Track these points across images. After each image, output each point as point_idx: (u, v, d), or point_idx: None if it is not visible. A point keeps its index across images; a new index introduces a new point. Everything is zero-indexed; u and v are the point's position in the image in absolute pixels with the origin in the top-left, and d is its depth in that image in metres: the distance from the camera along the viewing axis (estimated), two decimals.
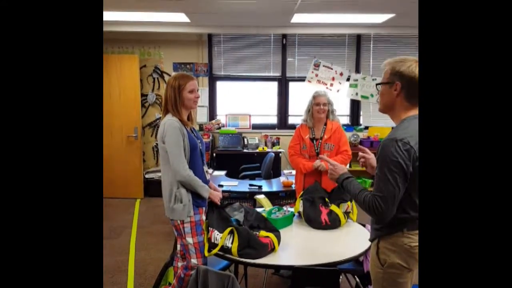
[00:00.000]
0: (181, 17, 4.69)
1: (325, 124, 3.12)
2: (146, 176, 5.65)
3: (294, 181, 3.49)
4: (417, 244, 1.58)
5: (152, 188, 5.54)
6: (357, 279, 2.58)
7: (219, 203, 2.32)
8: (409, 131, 1.51)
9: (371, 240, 1.71)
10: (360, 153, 1.88)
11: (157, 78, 5.74)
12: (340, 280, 2.19)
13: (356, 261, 2.47)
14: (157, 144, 5.71)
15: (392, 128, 1.64)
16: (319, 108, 3.06)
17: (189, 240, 2.27)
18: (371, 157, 1.86)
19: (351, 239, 2.39)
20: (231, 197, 3.84)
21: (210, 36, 5.72)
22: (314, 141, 3.11)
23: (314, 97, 3.12)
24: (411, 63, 1.55)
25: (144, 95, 5.72)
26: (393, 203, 1.51)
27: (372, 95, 5.65)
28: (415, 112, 1.60)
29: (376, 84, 1.67)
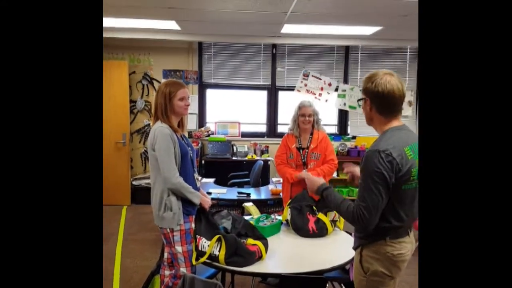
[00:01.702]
0: (172, 25, 4.71)
1: (311, 134, 3.15)
2: (134, 183, 5.60)
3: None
4: (399, 252, 1.62)
5: (139, 195, 5.50)
6: (343, 287, 2.60)
7: (208, 209, 2.32)
8: (391, 142, 1.55)
9: (355, 248, 1.74)
10: (345, 169, 1.97)
11: (147, 85, 5.73)
12: None
13: (343, 269, 2.50)
14: (145, 150, 5.69)
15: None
16: (304, 119, 3.09)
17: (178, 248, 2.25)
18: (356, 168, 1.92)
19: (337, 248, 2.41)
20: (220, 204, 3.84)
21: (200, 44, 5.74)
22: (301, 151, 3.14)
23: (299, 108, 3.13)
24: (376, 78, 1.60)
25: (133, 102, 5.70)
26: (376, 213, 1.54)
27: (359, 105, 5.73)
28: (395, 123, 1.65)
29: (357, 100, 1.74)
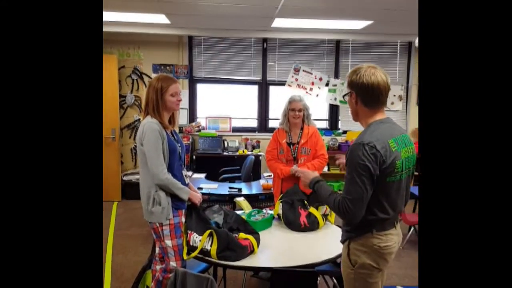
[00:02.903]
0: (161, 18, 4.66)
1: (302, 129, 3.15)
2: (124, 178, 5.56)
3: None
4: (386, 244, 1.64)
5: (130, 191, 5.46)
6: (335, 281, 2.62)
7: (198, 204, 2.31)
8: (375, 135, 1.57)
9: (342, 241, 1.76)
10: (338, 161, 2.02)
11: (136, 79, 5.67)
12: (318, 281, 2.22)
13: (334, 263, 2.51)
14: (135, 146, 5.64)
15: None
16: (294, 114, 3.09)
17: (168, 243, 2.24)
18: None
19: (329, 241, 2.43)
20: (211, 199, 3.83)
21: (190, 38, 5.70)
22: (291, 146, 3.14)
23: (289, 102, 3.13)
24: (360, 71, 1.63)
25: (122, 96, 5.64)
26: (361, 205, 1.56)
27: (345, 101, 5.75)
28: (380, 116, 1.67)
29: (343, 96, 1.76)
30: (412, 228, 4.14)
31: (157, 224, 2.23)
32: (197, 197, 2.32)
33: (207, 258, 2.11)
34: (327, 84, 5.79)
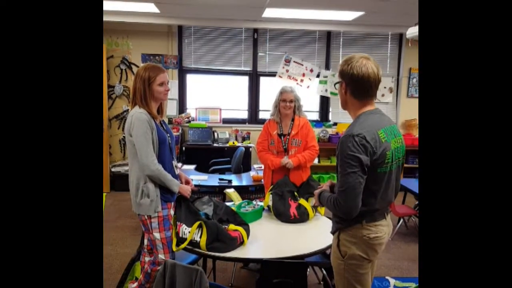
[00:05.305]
0: (151, 7, 4.58)
1: (293, 120, 3.14)
2: (113, 169, 5.51)
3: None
4: (376, 235, 1.65)
5: (119, 182, 5.42)
6: (324, 272, 2.63)
7: (188, 197, 2.29)
8: (364, 126, 1.57)
9: (332, 232, 1.76)
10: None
11: (125, 69, 5.59)
12: (307, 272, 2.23)
13: (323, 254, 2.53)
14: (124, 137, 5.58)
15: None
16: (285, 105, 3.07)
17: (156, 235, 2.22)
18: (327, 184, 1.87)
19: (318, 233, 2.43)
20: (201, 191, 3.81)
21: (180, 28, 5.62)
22: (282, 137, 3.13)
23: (281, 93, 3.12)
24: (352, 61, 1.60)
25: (111, 87, 5.56)
26: (355, 195, 1.55)
27: (336, 88, 5.76)
28: (369, 107, 1.66)
29: (334, 84, 1.75)
30: (401, 220, 4.18)
31: (146, 217, 2.21)
32: (187, 190, 2.30)
33: (196, 249, 2.10)
34: (318, 76, 5.78)
